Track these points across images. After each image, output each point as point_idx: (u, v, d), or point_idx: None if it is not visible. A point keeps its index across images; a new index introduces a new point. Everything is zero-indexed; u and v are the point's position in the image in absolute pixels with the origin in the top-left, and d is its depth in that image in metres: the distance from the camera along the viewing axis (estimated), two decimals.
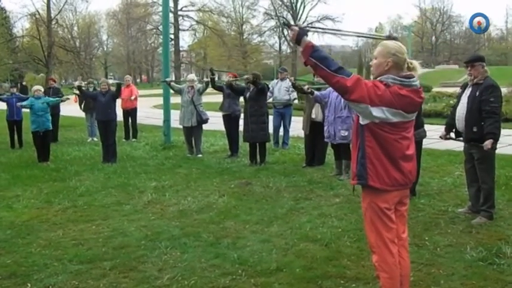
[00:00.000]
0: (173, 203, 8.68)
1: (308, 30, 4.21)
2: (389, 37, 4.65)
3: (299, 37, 4.10)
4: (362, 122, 4.21)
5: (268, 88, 12.77)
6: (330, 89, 10.53)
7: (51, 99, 13.87)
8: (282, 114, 14.44)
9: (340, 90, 4.08)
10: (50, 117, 13.29)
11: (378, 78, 4.19)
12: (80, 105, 17.81)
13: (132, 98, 17.70)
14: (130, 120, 17.76)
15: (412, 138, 4.35)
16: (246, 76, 12.13)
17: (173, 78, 60.34)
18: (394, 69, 4.18)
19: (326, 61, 4.03)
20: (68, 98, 14.32)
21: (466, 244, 6.25)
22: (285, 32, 79.13)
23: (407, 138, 4.27)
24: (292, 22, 67.49)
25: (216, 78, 14.31)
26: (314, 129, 11.49)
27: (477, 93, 7.10)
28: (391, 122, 4.12)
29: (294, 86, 11.89)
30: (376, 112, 4.06)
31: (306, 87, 10.70)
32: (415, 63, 4.29)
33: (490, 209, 7.28)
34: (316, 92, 10.48)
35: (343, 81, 4.01)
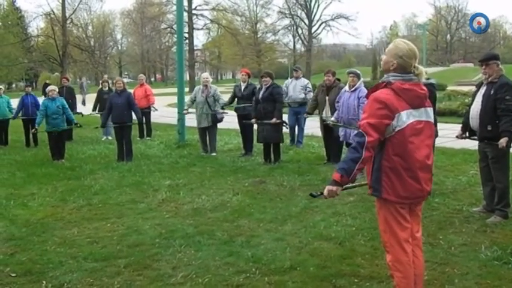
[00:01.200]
0: (187, 201, 8.71)
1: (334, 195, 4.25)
2: None
3: (332, 185, 4.19)
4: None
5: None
6: (342, 90, 10.60)
7: (66, 108, 13.40)
8: (296, 113, 14.37)
9: (374, 147, 4.14)
10: (65, 118, 13.28)
11: (381, 80, 4.23)
12: (94, 108, 17.81)
13: (153, 110, 18.07)
14: (144, 119, 17.77)
15: (431, 147, 4.35)
16: (273, 121, 11.95)
17: (187, 78, 60.55)
18: (399, 71, 4.21)
19: (352, 164, 4.09)
20: (81, 126, 14.09)
21: (481, 243, 6.22)
22: (299, 31, 79.14)
23: (427, 147, 4.28)
24: (306, 21, 66.75)
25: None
26: (326, 129, 11.57)
27: (492, 92, 7.07)
28: (407, 125, 4.12)
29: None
30: (394, 122, 4.09)
31: (330, 123, 10.98)
32: (421, 68, 4.27)
33: (505, 208, 7.23)
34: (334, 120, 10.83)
35: (367, 145, 4.06)
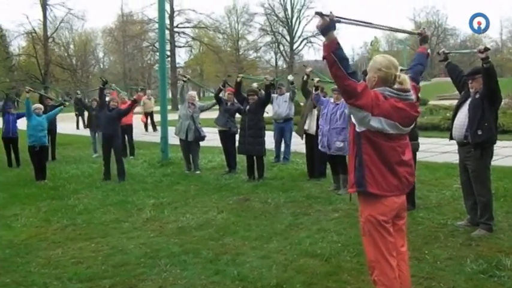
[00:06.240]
0: (172, 220, 8.67)
1: (339, 21, 4.12)
2: (420, 34, 4.79)
3: (327, 29, 4.04)
4: (358, 129, 4.24)
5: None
6: (329, 99, 10.62)
7: (51, 113, 13.95)
8: (282, 128, 14.45)
9: (349, 93, 4.11)
10: (47, 135, 13.26)
11: (375, 89, 4.23)
12: (88, 125, 17.77)
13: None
14: (126, 137, 17.71)
15: (408, 144, 4.38)
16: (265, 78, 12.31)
17: (169, 96, 60.32)
18: (382, 84, 4.24)
19: (345, 62, 4.04)
20: (65, 105, 14.28)
21: (466, 257, 6.25)
22: (281, 48, 79.38)
23: (402, 145, 4.32)
24: (288, 38, 66.78)
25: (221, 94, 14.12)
26: (309, 141, 11.62)
27: (477, 96, 7.16)
28: (387, 133, 4.15)
29: (303, 84, 12.19)
30: (374, 122, 4.11)
31: (316, 79, 11.05)
32: (403, 76, 4.30)
33: (489, 221, 7.27)
34: (319, 92, 10.81)
35: (355, 85, 4.05)
